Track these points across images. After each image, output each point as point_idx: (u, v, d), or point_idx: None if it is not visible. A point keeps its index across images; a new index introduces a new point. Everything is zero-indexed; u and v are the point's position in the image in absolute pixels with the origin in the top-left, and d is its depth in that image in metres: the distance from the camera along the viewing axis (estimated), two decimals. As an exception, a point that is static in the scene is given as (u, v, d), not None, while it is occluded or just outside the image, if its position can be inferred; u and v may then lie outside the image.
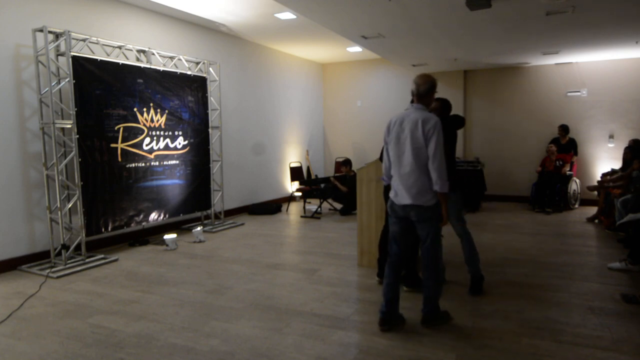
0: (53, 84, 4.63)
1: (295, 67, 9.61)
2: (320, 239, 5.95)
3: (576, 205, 8.14)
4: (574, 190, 8.11)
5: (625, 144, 7.45)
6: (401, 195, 3.04)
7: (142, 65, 5.49)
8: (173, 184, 5.99)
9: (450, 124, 3.72)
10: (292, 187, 9.13)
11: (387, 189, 3.57)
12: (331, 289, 3.95)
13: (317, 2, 4.65)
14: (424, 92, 3.05)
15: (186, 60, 6.24)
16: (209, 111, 6.55)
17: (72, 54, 4.65)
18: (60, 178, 4.68)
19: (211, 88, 6.64)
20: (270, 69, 8.79)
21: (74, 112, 4.68)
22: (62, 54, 4.72)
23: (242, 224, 7.01)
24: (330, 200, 8.30)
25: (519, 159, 9.01)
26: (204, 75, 6.49)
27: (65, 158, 4.79)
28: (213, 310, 3.51)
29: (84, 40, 4.86)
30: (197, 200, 6.41)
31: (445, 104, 3.84)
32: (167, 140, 5.87)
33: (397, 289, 3.15)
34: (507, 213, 7.77)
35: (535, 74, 8.84)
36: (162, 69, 5.75)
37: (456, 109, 9.16)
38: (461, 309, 3.48)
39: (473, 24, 5.51)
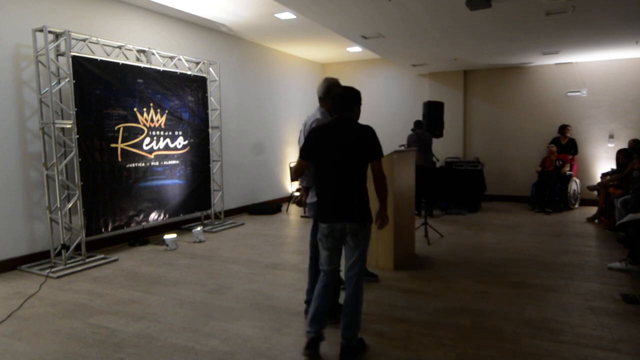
0: (53, 84, 4.63)
1: (295, 67, 9.61)
2: (320, 239, 5.94)
3: (576, 205, 8.14)
4: (574, 190, 8.11)
5: (625, 144, 7.45)
6: None
7: (142, 65, 5.49)
8: (173, 184, 5.99)
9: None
10: (292, 187, 9.13)
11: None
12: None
13: (317, 2, 4.65)
14: (319, 96, 3.27)
15: (186, 60, 6.24)
16: (209, 111, 6.55)
17: (72, 54, 4.64)
18: (60, 178, 4.68)
19: (211, 88, 6.64)
20: (270, 69, 8.79)
21: (74, 112, 4.67)
22: (62, 54, 4.72)
23: (242, 224, 7.01)
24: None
25: (519, 159, 9.01)
26: (204, 75, 6.49)
27: (65, 158, 4.79)
28: (213, 310, 3.51)
29: (84, 40, 4.86)
30: (197, 200, 6.41)
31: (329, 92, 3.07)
32: (167, 140, 5.87)
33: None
34: (507, 213, 7.77)
35: (535, 74, 8.84)
36: (162, 69, 5.75)
37: (456, 109, 9.29)
38: (461, 308, 3.48)
39: (473, 24, 5.51)
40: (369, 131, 2.73)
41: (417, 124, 7.58)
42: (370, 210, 2.77)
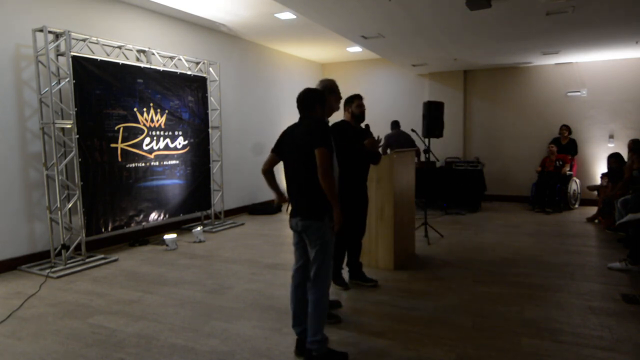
0: (53, 84, 4.63)
1: (295, 67, 9.61)
2: (320, 239, 5.94)
3: (576, 205, 8.14)
4: (574, 190, 8.11)
5: (625, 144, 7.44)
6: None
7: (142, 65, 5.49)
8: (173, 184, 5.99)
9: None
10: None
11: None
12: (330, 289, 3.94)
13: (317, 2, 4.65)
14: None
15: (186, 60, 6.24)
16: (209, 111, 6.55)
17: (72, 54, 4.64)
18: (60, 178, 4.68)
19: (211, 88, 6.64)
20: (270, 69, 8.78)
21: (74, 112, 4.67)
22: (62, 54, 4.72)
23: (242, 224, 7.01)
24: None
25: (519, 159, 9.01)
26: (204, 75, 6.49)
27: (65, 158, 4.79)
28: (213, 310, 3.51)
29: (84, 40, 4.86)
30: (197, 200, 6.41)
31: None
32: (167, 140, 5.86)
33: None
34: (507, 213, 7.77)
35: (535, 74, 8.83)
36: (162, 69, 5.75)
37: (456, 109, 9.29)
38: (461, 308, 3.48)
39: (473, 24, 5.50)
40: (316, 123, 2.72)
41: (393, 124, 7.59)
42: (322, 208, 2.61)
